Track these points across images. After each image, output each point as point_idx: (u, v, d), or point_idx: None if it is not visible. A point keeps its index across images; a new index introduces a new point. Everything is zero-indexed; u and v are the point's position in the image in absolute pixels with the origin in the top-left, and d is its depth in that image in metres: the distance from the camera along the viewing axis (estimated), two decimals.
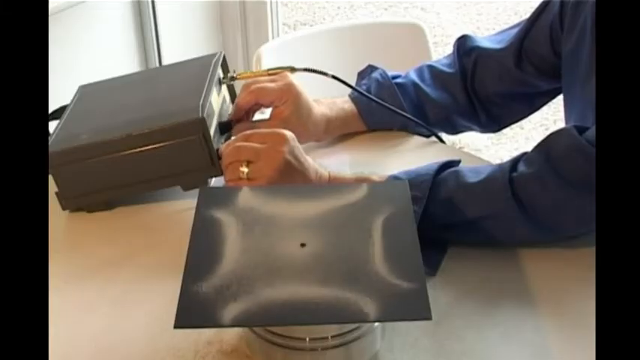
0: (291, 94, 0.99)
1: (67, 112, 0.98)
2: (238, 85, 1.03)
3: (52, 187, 0.91)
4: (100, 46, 2.02)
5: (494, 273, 0.81)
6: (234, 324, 0.65)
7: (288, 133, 0.87)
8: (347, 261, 0.65)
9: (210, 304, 0.62)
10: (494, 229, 0.82)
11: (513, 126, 1.19)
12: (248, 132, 0.90)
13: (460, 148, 2.08)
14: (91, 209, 0.94)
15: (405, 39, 1.70)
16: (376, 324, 0.68)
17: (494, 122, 1.12)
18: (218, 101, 0.99)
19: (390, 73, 1.10)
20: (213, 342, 0.71)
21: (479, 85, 1.09)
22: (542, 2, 1.04)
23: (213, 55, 1.03)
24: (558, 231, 0.83)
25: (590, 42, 0.91)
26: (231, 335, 0.72)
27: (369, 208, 0.72)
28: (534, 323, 0.74)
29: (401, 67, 1.14)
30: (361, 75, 1.13)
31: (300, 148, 0.88)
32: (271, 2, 2.51)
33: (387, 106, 1.05)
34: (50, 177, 0.90)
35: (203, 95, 0.92)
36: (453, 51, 1.11)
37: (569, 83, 0.99)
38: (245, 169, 0.85)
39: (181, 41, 2.33)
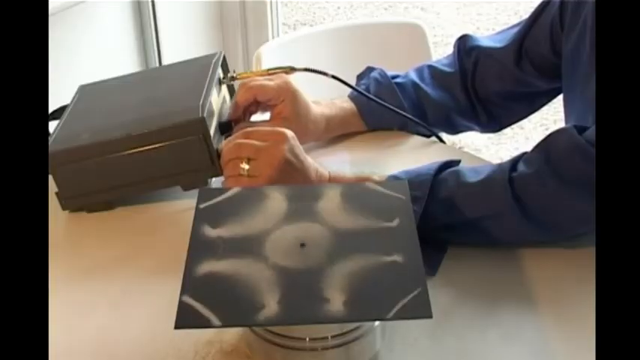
0: (289, 92, 0.99)
1: (67, 112, 0.98)
2: (238, 85, 1.03)
3: (52, 187, 0.91)
4: (100, 46, 2.02)
5: (494, 273, 0.81)
6: (234, 324, 0.65)
7: (289, 132, 0.87)
8: (346, 261, 0.65)
9: (211, 304, 0.62)
10: (494, 229, 0.82)
11: (513, 126, 1.19)
12: (249, 129, 0.90)
13: (460, 148, 2.08)
14: (91, 209, 0.94)
15: (405, 39, 1.70)
16: (376, 324, 0.68)
17: (494, 122, 1.12)
18: (218, 101, 0.99)
19: (390, 73, 1.10)
20: (213, 342, 0.71)
21: (479, 84, 1.09)
22: (543, 2, 1.04)
23: (213, 55, 1.03)
24: (558, 231, 0.83)
25: (590, 42, 0.91)
26: (231, 335, 0.72)
27: (369, 208, 0.72)
28: (534, 323, 0.74)
29: (401, 67, 1.14)
30: (360, 77, 1.13)
31: (300, 147, 0.88)
32: (271, 2, 2.51)
33: (386, 105, 1.05)
34: (50, 177, 0.90)
35: (203, 95, 0.92)
36: (454, 51, 1.12)
37: (569, 83, 0.99)
38: (245, 167, 0.85)
39: (181, 41, 2.33)
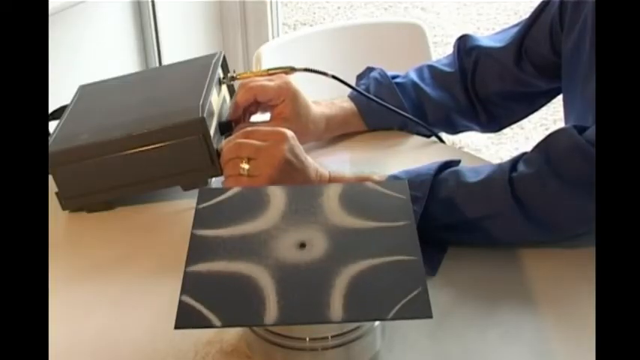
0: (289, 93, 0.99)
1: (67, 112, 0.98)
2: (238, 86, 1.03)
3: (52, 187, 0.91)
4: (100, 46, 2.02)
5: (494, 273, 0.81)
6: (234, 324, 0.65)
7: (289, 132, 0.87)
8: (346, 261, 0.65)
9: (211, 304, 0.62)
10: (494, 229, 0.82)
11: (513, 126, 1.19)
12: (249, 129, 0.90)
13: (460, 148, 2.08)
14: (91, 209, 0.94)
15: (405, 39, 1.70)
16: (376, 324, 0.68)
17: (494, 122, 1.12)
18: (218, 101, 0.99)
19: (390, 73, 1.10)
20: (213, 342, 0.71)
21: (479, 84, 1.09)
22: (543, 2, 1.04)
23: (213, 55, 1.03)
24: (558, 231, 0.83)
25: (590, 42, 0.91)
26: (231, 335, 0.72)
27: (369, 208, 0.72)
28: (534, 323, 0.74)
29: (401, 67, 1.14)
30: (360, 77, 1.13)
31: (300, 147, 0.88)
32: (271, 2, 2.51)
33: (386, 105, 1.05)
34: (50, 177, 0.90)
35: (203, 95, 0.92)
36: (454, 51, 1.12)
37: (569, 83, 0.99)
38: (246, 166, 0.85)
39: (181, 41, 2.33)
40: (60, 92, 1.09)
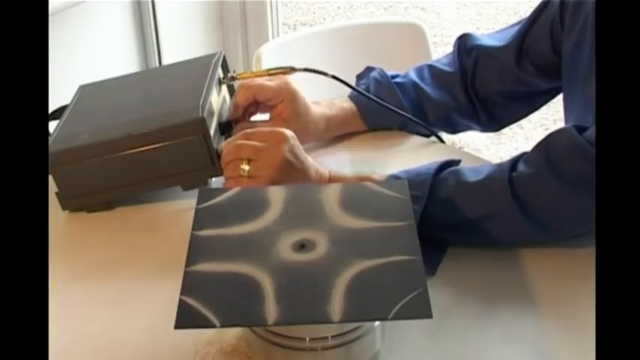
0: (288, 93, 0.99)
1: (67, 112, 0.98)
2: (238, 86, 1.03)
3: (52, 187, 0.91)
4: (100, 46, 2.02)
5: (494, 273, 0.81)
6: (234, 324, 0.65)
7: (289, 132, 0.87)
8: (346, 261, 0.65)
9: (211, 304, 0.62)
10: (494, 229, 0.82)
11: (513, 126, 1.19)
12: (248, 130, 0.90)
13: (460, 148, 2.08)
14: (91, 209, 0.94)
15: (405, 39, 1.70)
16: (376, 324, 0.68)
17: (494, 121, 1.12)
18: (218, 101, 0.99)
19: (389, 72, 1.10)
20: (213, 342, 0.71)
21: (479, 84, 1.09)
22: (543, 1, 1.04)
23: (213, 55, 1.03)
24: (558, 231, 0.83)
25: (590, 41, 0.91)
26: (231, 335, 0.72)
27: (369, 207, 0.72)
28: (534, 323, 0.74)
29: (401, 67, 1.14)
30: (360, 77, 1.13)
31: (300, 147, 0.88)
32: (271, 2, 2.51)
33: (386, 105, 1.05)
34: (50, 177, 0.90)
35: (203, 95, 0.92)
36: (454, 50, 1.11)
37: (569, 82, 0.99)
38: (246, 167, 0.86)
39: (181, 41, 2.33)
40: (60, 92, 1.09)
